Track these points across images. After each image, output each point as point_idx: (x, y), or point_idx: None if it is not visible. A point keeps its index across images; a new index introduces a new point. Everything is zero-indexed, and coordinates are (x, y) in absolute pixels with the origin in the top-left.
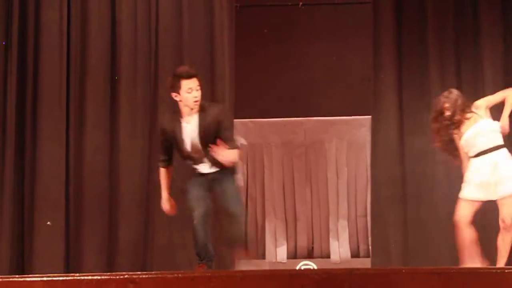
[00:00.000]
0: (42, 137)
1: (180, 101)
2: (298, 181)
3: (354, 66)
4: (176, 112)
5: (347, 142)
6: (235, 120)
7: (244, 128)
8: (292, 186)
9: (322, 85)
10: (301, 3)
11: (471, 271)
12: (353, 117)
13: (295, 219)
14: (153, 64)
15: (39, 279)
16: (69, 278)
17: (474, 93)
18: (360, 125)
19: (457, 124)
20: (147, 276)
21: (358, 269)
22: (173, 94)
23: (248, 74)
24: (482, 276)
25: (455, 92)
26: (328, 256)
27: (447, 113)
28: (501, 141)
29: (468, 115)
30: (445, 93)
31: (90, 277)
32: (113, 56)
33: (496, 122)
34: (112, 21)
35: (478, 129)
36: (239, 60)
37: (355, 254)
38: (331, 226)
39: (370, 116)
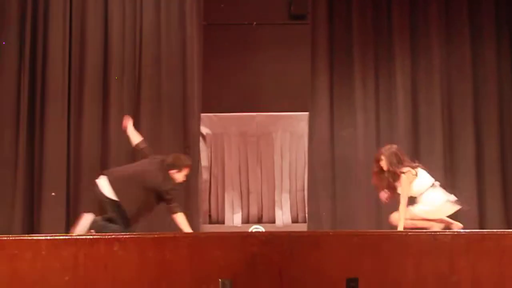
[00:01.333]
0: (49, 126)
1: (174, 174)
2: (251, 163)
3: (296, 72)
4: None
5: (290, 133)
6: (202, 114)
7: (209, 121)
8: (246, 167)
9: (271, 87)
10: (254, 23)
11: (383, 234)
12: (294, 113)
13: (248, 192)
14: (137, 70)
15: (43, 237)
16: (68, 237)
17: (389, 94)
18: (300, 120)
19: (393, 176)
20: (129, 236)
21: (295, 232)
22: (173, 171)
23: (213, 77)
24: (391, 238)
25: (394, 148)
26: (274, 222)
27: (381, 164)
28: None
29: (404, 169)
30: (386, 147)
31: (84, 237)
32: (105, 64)
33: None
34: (104, 37)
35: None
36: (205, 66)
37: (295, 221)
38: (277, 198)
39: (308, 113)
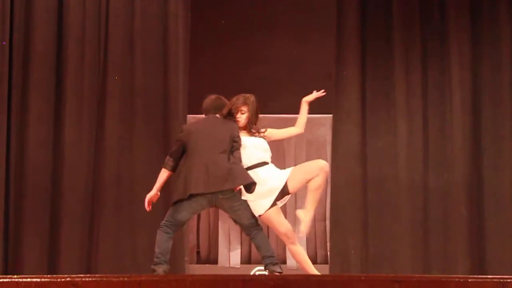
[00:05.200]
0: None
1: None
2: None
3: (315, 61)
4: None
5: (307, 141)
6: (189, 115)
7: None
8: None
9: (281, 81)
10: None
11: (432, 279)
12: (313, 115)
13: None
14: (102, 53)
15: None
16: (7, 280)
17: (441, 93)
18: (320, 124)
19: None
20: (90, 279)
21: (315, 276)
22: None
23: (203, 67)
24: (443, 284)
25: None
26: (285, 262)
27: (241, 114)
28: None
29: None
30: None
31: (29, 279)
32: (59, 44)
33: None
34: (59, 6)
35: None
36: (193, 52)
37: (313, 260)
38: None
39: (331, 115)
